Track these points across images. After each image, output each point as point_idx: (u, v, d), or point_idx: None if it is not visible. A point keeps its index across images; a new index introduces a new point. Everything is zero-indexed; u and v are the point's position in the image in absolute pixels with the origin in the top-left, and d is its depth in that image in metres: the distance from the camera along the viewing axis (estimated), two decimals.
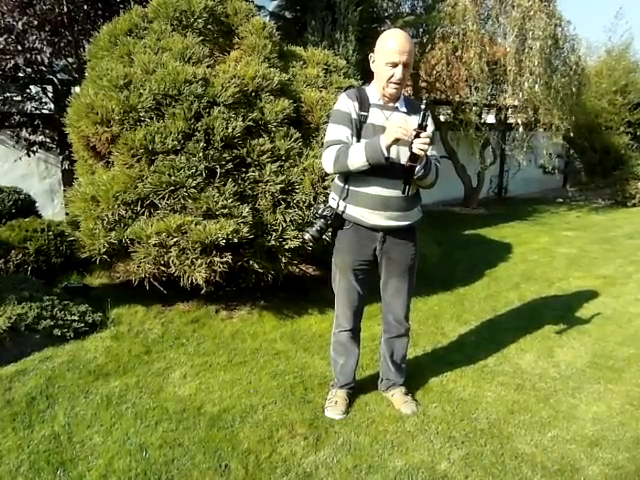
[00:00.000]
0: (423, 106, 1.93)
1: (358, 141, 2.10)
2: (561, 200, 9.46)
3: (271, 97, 3.27)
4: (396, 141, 1.94)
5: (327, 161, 2.11)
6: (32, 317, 2.85)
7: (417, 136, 1.89)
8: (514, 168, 9.10)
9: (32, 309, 2.89)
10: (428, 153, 2.04)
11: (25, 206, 4.24)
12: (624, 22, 18.21)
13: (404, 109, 2.15)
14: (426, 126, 1.94)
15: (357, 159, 2.01)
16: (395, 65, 2.03)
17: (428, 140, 1.90)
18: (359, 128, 2.11)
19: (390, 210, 2.14)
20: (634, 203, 8.72)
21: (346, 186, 2.17)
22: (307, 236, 2.21)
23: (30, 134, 4.88)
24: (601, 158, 9.51)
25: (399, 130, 1.90)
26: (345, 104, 2.13)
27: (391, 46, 2.03)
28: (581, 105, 8.18)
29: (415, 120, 2.14)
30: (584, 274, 4.71)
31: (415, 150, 1.91)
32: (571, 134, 7.55)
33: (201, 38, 3.33)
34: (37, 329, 2.85)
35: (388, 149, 1.96)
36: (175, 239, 2.93)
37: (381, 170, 2.04)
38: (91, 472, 1.95)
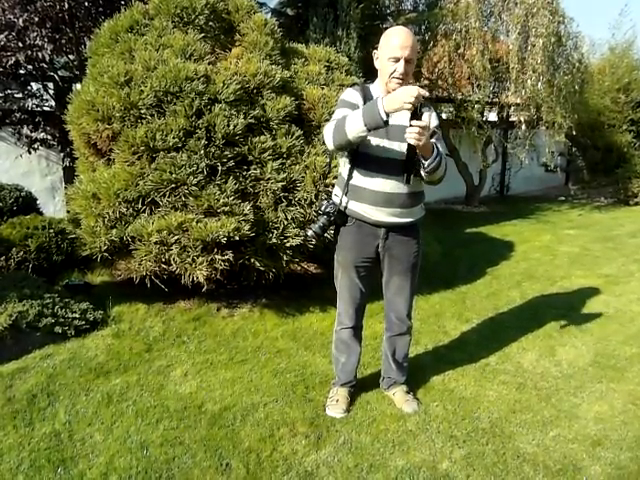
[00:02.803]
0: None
1: None
2: (563, 198, 9.44)
3: (272, 94, 3.26)
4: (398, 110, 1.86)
5: (327, 134, 2.05)
6: (33, 315, 2.85)
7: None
8: (516, 166, 9.08)
9: (33, 307, 2.89)
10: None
11: (26, 203, 4.23)
12: (629, 19, 18.09)
13: None
14: (421, 114, 1.88)
15: (356, 125, 1.92)
16: (397, 60, 2.02)
17: (421, 128, 1.85)
18: None
19: (393, 207, 2.13)
20: (637, 202, 8.69)
21: (349, 181, 2.16)
22: (310, 233, 2.21)
23: (31, 131, 4.86)
24: (603, 156, 9.47)
25: (407, 104, 1.80)
26: (352, 95, 2.14)
27: (393, 42, 2.02)
28: (584, 103, 8.14)
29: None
30: (586, 273, 4.69)
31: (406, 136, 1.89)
32: (573, 132, 7.52)
33: (202, 35, 3.32)
34: (38, 327, 2.85)
35: (387, 114, 1.88)
36: (176, 237, 2.92)
37: (385, 166, 2.04)
38: (92, 470, 1.95)
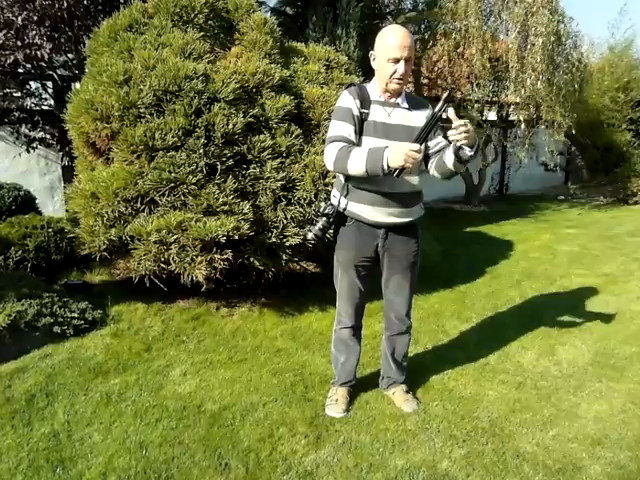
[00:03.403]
0: (444, 95, 1.86)
1: (360, 138, 2.09)
2: (562, 197, 9.44)
3: (272, 93, 3.25)
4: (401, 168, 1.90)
5: (328, 159, 2.08)
6: (32, 314, 2.84)
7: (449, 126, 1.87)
8: (515, 165, 9.08)
9: (32, 306, 2.88)
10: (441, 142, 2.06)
11: (25, 203, 4.23)
12: (628, 19, 18.15)
13: (405, 105, 2.13)
14: (440, 116, 1.89)
15: (357, 166, 1.98)
16: (397, 61, 2.01)
17: (466, 128, 1.85)
18: (360, 125, 2.09)
19: (392, 207, 2.12)
20: (636, 201, 8.70)
21: (348, 183, 2.15)
22: (310, 235, 2.20)
23: (30, 130, 4.86)
24: (603, 155, 9.49)
25: (409, 160, 1.85)
26: (347, 101, 2.11)
27: (392, 42, 2.01)
28: (583, 102, 8.14)
29: (417, 115, 2.12)
30: (586, 272, 4.69)
31: (453, 138, 1.88)
32: (573, 131, 7.51)
33: (202, 34, 3.31)
34: (37, 326, 2.84)
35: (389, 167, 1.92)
36: (175, 236, 2.92)
37: None
38: (90, 470, 1.94)
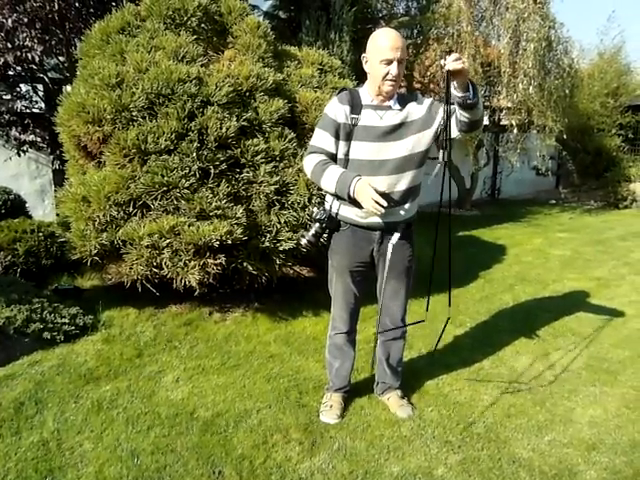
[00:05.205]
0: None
1: (349, 143, 2.08)
2: (554, 202, 9.51)
3: (265, 97, 3.24)
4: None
5: (306, 169, 2.15)
6: (21, 320, 2.80)
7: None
8: (507, 170, 9.13)
9: (21, 312, 2.84)
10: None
11: (15, 206, 4.18)
12: (616, 25, 18.46)
13: (398, 107, 2.11)
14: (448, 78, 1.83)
15: (328, 186, 2.07)
16: (390, 62, 2.00)
17: (457, 55, 1.77)
18: (349, 131, 2.08)
19: (387, 207, 2.09)
20: (626, 205, 8.79)
21: None
22: (304, 242, 2.18)
23: (20, 133, 4.81)
24: (593, 160, 9.57)
25: (374, 206, 1.92)
26: (334, 109, 2.10)
27: (384, 43, 2.00)
28: (574, 107, 8.22)
29: (410, 109, 2.10)
30: (578, 276, 4.72)
31: (450, 67, 1.77)
32: (564, 136, 7.58)
33: (195, 37, 3.29)
34: (26, 332, 2.80)
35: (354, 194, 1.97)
36: (168, 240, 2.89)
37: (380, 168, 2.04)
38: None
